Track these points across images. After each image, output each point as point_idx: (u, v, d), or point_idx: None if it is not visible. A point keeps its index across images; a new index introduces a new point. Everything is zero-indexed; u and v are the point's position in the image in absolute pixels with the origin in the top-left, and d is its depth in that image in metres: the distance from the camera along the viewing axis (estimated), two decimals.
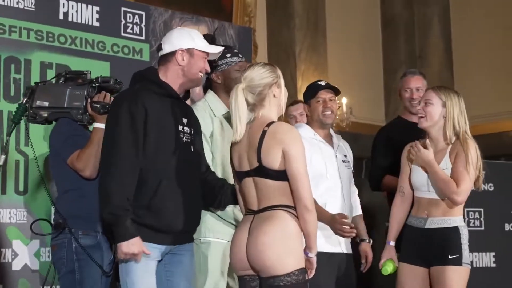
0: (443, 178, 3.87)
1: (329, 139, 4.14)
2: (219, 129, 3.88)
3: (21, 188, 5.31)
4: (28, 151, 5.12)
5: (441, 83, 9.41)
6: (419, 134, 4.39)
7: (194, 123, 3.57)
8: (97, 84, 3.75)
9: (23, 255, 5.30)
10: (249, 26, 8.50)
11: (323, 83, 4.16)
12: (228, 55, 4.05)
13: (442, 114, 3.96)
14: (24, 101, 3.77)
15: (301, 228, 3.15)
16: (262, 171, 3.15)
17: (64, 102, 3.70)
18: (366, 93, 9.90)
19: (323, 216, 3.78)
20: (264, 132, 3.14)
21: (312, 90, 4.14)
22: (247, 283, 3.23)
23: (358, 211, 4.34)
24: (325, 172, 4.00)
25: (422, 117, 3.98)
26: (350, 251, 4.16)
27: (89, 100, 3.68)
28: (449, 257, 3.87)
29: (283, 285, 3.06)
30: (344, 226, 3.79)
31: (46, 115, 3.76)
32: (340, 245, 4.02)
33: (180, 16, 6.46)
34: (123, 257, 3.24)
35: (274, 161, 3.12)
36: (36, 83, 3.83)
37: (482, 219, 6.77)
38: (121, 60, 5.80)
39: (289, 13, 9.39)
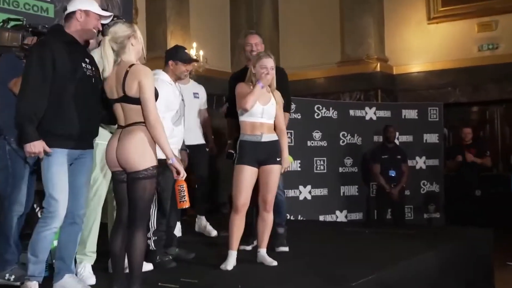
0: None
1: (175, 83, 4.32)
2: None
3: None
4: None
5: (270, 43, 9.49)
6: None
7: (93, 63, 3.39)
8: (30, 29, 3.46)
9: None
10: None
11: (188, 56, 4.37)
12: (114, 19, 3.85)
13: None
14: None
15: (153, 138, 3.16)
16: (126, 99, 3.12)
17: (6, 41, 3.41)
18: (217, 48, 9.76)
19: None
20: (127, 72, 3.11)
21: (184, 57, 4.27)
22: (118, 176, 3.18)
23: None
24: (176, 102, 4.14)
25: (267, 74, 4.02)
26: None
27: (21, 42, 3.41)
28: (277, 159, 4.05)
29: (142, 177, 3.06)
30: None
31: None
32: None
33: None
34: (28, 155, 3.15)
35: (133, 91, 3.09)
36: None
37: (292, 137, 7.18)
38: (32, 16, 5.55)
39: None
